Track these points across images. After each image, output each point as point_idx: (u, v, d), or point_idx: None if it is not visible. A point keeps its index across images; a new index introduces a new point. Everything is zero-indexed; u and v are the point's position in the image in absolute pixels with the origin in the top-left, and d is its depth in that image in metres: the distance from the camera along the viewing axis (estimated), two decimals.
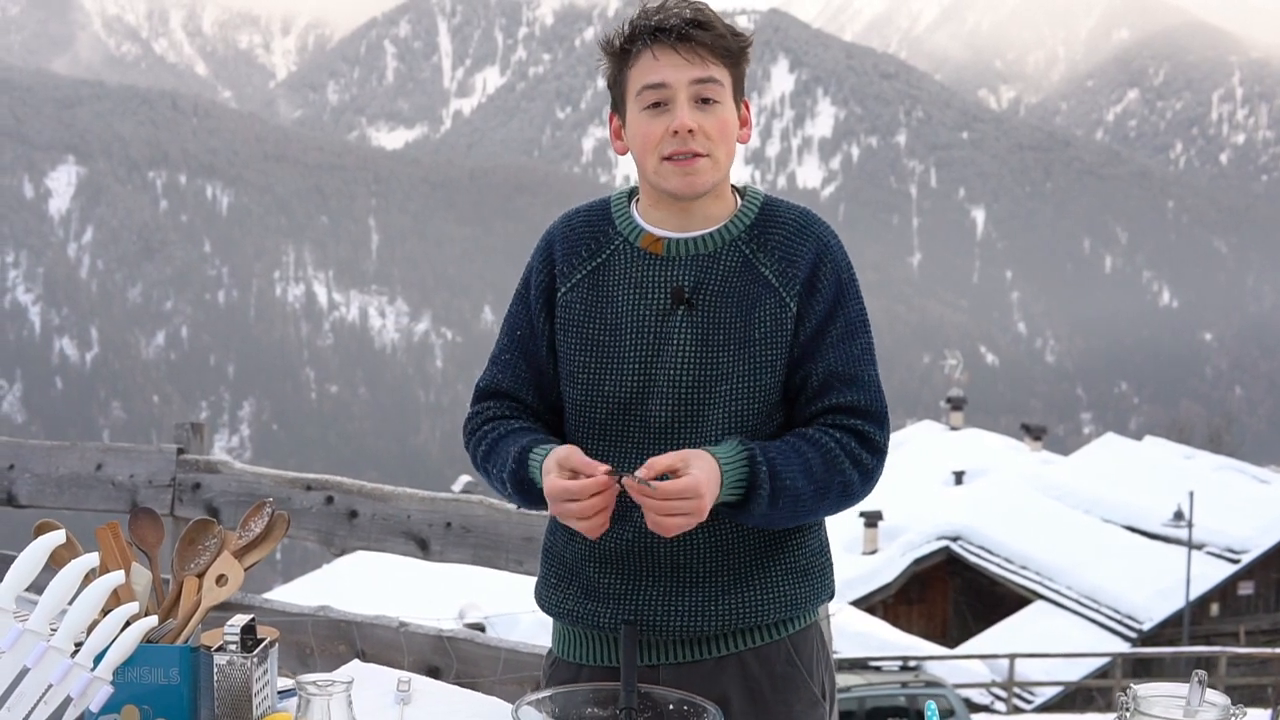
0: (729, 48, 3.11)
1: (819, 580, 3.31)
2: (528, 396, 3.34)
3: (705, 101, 3.09)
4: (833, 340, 3.16)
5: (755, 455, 3.04)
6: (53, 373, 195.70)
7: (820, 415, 3.18)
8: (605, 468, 2.94)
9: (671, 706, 2.72)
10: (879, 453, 3.18)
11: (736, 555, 3.19)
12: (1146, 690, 2.39)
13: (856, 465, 3.14)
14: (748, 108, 3.23)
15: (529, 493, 3.18)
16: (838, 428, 3.16)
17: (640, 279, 3.19)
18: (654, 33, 3.09)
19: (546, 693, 2.75)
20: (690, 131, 3.07)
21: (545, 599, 3.37)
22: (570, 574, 3.29)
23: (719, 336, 3.13)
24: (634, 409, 3.16)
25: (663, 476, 2.92)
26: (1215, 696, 2.37)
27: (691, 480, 2.91)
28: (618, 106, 3.22)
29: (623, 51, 3.15)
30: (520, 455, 3.16)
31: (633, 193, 3.33)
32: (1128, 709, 2.39)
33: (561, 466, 3.00)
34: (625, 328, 3.17)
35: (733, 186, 3.28)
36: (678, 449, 3.05)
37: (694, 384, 3.13)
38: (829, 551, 3.38)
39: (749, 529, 3.18)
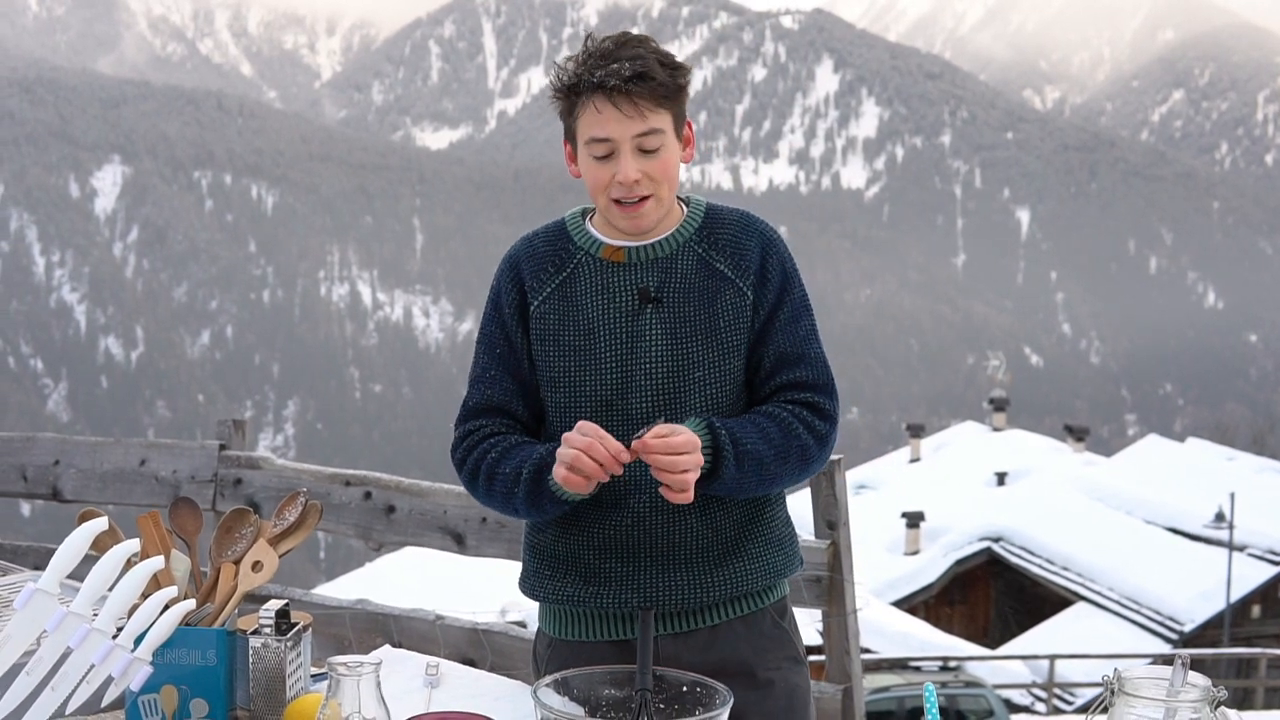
0: (668, 93, 3.32)
1: (790, 549, 3.58)
2: (517, 408, 3.52)
3: (648, 147, 3.32)
4: (781, 324, 3.45)
5: (715, 425, 3.31)
6: (98, 371, 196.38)
7: (775, 393, 3.47)
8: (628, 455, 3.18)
9: (685, 688, 2.82)
10: (831, 419, 3.47)
11: (725, 530, 3.45)
12: (1130, 672, 2.45)
13: (811, 431, 3.42)
14: (690, 127, 3.46)
15: (542, 486, 3.34)
16: (791, 402, 3.45)
17: (607, 285, 3.43)
18: (595, 88, 3.29)
19: (564, 674, 2.83)
20: (636, 181, 3.31)
21: (538, 589, 3.54)
22: (565, 564, 3.49)
23: (686, 329, 3.39)
24: (615, 405, 3.40)
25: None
26: (1196, 678, 2.42)
27: (688, 436, 3.18)
28: (570, 138, 3.42)
29: (569, 93, 3.36)
30: (549, 451, 3.34)
31: (585, 211, 3.57)
32: (1112, 690, 2.46)
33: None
34: (599, 330, 3.40)
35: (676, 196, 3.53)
36: None
37: (669, 375, 3.38)
38: (792, 525, 3.63)
39: (734, 507, 3.46)
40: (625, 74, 3.26)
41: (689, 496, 3.19)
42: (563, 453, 3.21)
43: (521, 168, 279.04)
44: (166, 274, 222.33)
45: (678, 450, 3.14)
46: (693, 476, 3.18)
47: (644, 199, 3.34)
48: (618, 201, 3.35)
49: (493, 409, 3.52)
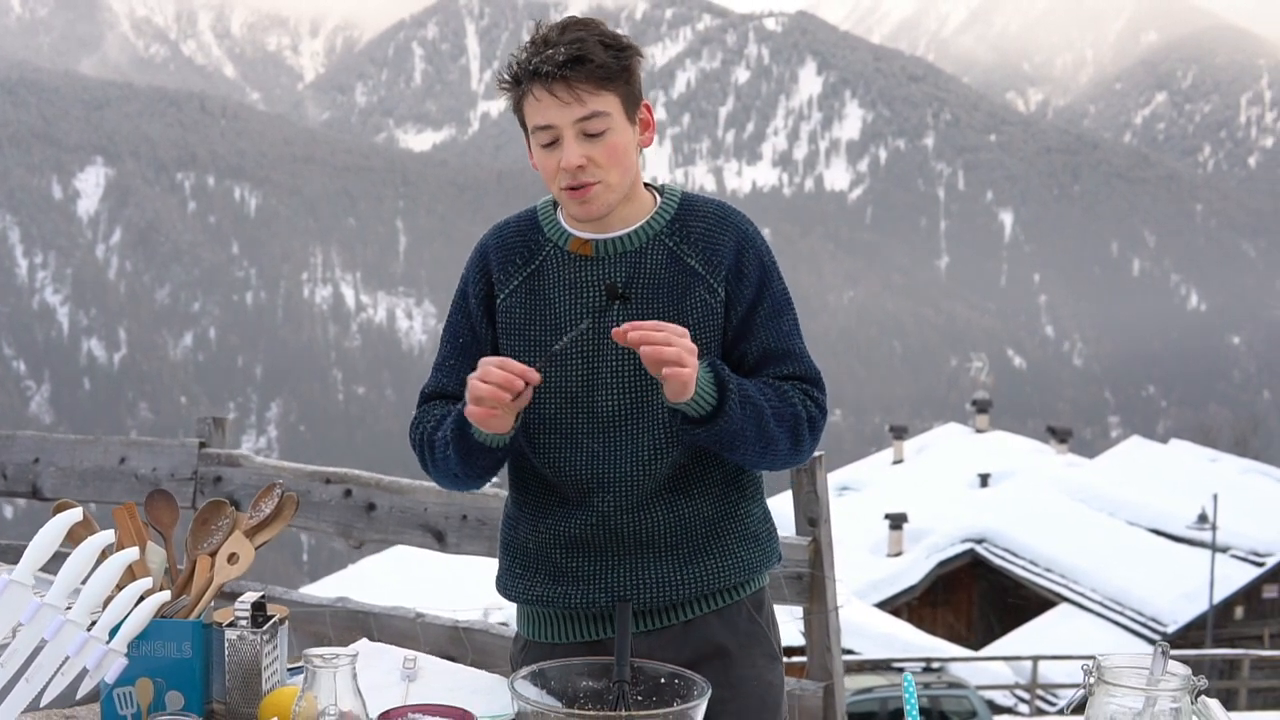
0: (610, 74, 3.23)
1: (767, 544, 3.49)
2: None
3: (591, 131, 3.24)
4: (762, 320, 3.35)
5: (716, 363, 3.23)
6: (81, 373, 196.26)
7: None
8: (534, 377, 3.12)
9: (663, 680, 2.78)
10: (822, 408, 3.38)
11: (694, 527, 3.37)
12: (1110, 660, 2.43)
13: (805, 406, 3.33)
14: (649, 109, 3.37)
15: (467, 437, 3.28)
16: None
17: (574, 279, 3.36)
18: (533, 76, 3.25)
19: (541, 666, 2.80)
20: (580, 167, 3.23)
21: (511, 589, 3.52)
22: (534, 562, 3.45)
23: None
24: (581, 401, 3.32)
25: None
26: (1176, 667, 2.40)
27: (670, 325, 3.08)
28: (525, 130, 3.36)
29: (514, 84, 3.30)
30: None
31: (558, 200, 3.46)
32: (1092, 677, 2.44)
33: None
34: (565, 326, 3.33)
35: (649, 185, 3.46)
36: (627, 436, 3.32)
37: (636, 372, 3.28)
38: (772, 519, 3.57)
39: (705, 503, 3.39)
40: (559, 59, 3.20)
41: (689, 377, 3.05)
42: (467, 390, 3.15)
43: (504, 169, 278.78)
44: (149, 275, 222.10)
45: (653, 328, 3.05)
46: (686, 360, 3.04)
47: (590, 185, 3.25)
48: (566, 189, 3.28)
49: (446, 396, 3.48)
